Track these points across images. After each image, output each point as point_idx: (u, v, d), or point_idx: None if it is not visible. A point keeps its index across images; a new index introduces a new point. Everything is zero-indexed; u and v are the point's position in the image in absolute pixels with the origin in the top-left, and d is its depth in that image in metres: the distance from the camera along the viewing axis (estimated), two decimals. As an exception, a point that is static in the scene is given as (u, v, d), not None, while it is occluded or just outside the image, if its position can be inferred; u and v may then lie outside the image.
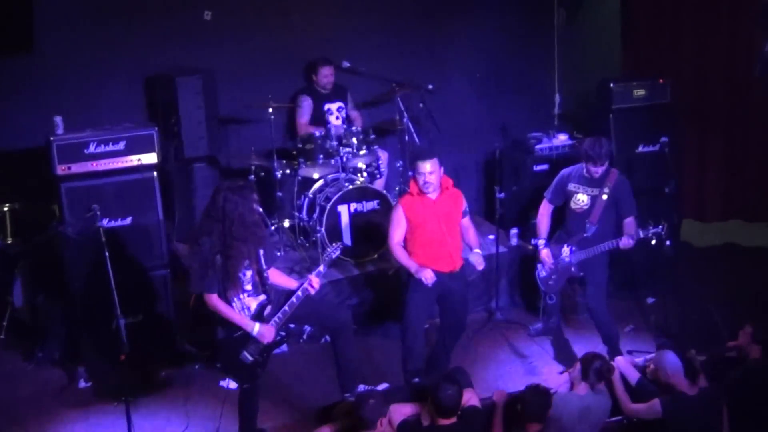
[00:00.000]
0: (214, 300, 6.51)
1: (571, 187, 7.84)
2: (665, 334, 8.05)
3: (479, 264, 7.33)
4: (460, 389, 6.15)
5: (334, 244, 7.02)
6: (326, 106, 9.52)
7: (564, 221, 7.98)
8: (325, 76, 9.51)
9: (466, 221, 7.45)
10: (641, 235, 7.47)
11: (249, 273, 6.56)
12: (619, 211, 7.72)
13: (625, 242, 7.52)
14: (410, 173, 7.50)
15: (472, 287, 8.76)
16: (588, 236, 7.70)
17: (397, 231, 7.27)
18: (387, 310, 8.43)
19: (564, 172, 8.01)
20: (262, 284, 6.64)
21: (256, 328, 6.57)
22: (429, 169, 7.08)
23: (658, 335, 8.16)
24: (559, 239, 7.96)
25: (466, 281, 7.60)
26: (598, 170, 7.63)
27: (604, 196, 7.66)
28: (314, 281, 6.70)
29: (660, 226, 7.40)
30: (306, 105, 9.55)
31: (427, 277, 7.05)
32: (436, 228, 7.22)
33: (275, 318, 6.64)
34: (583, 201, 7.77)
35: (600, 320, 7.86)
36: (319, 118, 9.47)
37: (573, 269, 7.85)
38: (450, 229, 7.26)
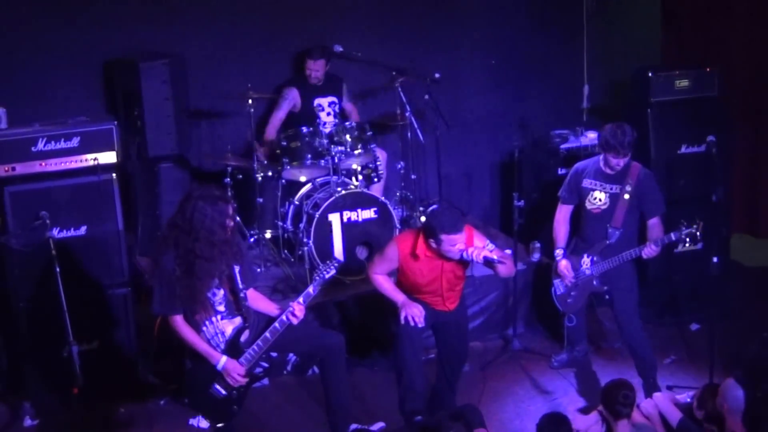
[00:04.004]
0: (179, 323, 6.56)
1: (587, 183, 7.90)
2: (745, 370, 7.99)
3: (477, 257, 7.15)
4: (470, 429, 6.17)
5: (327, 262, 6.91)
6: (316, 101, 9.55)
7: (579, 226, 8.03)
8: (312, 70, 9.52)
9: None
10: (673, 238, 7.49)
11: (221, 292, 6.61)
12: (642, 211, 7.77)
13: (650, 251, 7.55)
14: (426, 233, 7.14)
15: (485, 311, 8.87)
16: (612, 243, 7.76)
17: (384, 268, 7.34)
18: (383, 336, 8.45)
19: (578, 165, 8.07)
20: (237, 305, 6.67)
21: (222, 361, 6.60)
22: (462, 239, 6.98)
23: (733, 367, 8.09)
24: (577, 249, 8.02)
25: (464, 306, 7.65)
26: (620, 162, 7.67)
27: (626, 196, 7.71)
28: (297, 309, 6.68)
29: (694, 226, 7.41)
30: (288, 98, 9.57)
31: (414, 315, 7.05)
32: (434, 283, 7.25)
33: (253, 346, 6.67)
34: (600, 200, 7.83)
35: (635, 344, 7.90)
36: (307, 114, 9.48)
37: (595, 283, 7.90)
38: (451, 283, 7.30)
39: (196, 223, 6.39)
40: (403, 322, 7.07)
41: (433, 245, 7.04)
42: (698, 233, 7.42)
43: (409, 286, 7.29)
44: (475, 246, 7.02)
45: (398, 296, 7.20)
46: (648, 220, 7.77)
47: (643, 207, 7.77)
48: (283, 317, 6.68)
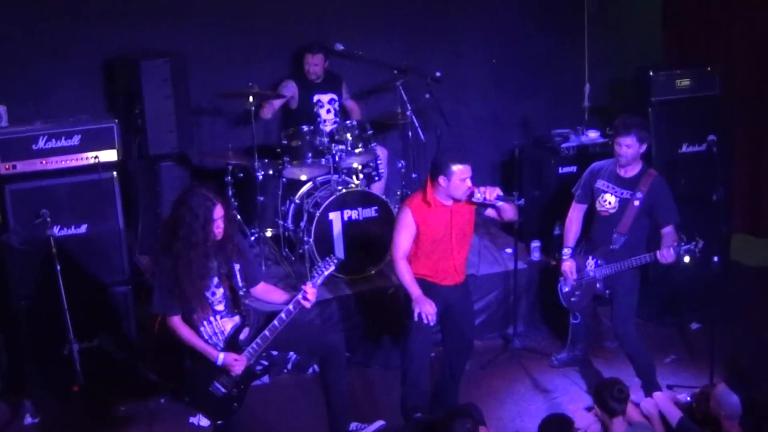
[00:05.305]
0: (175, 323, 6.56)
1: (600, 184, 7.88)
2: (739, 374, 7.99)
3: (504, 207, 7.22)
4: (477, 425, 6.18)
5: (326, 258, 6.83)
6: (315, 97, 9.56)
7: (589, 227, 8.01)
8: (311, 65, 9.54)
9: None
10: (672, 252, 7.44)
11: (220, 291, 6.61)
12: (655, 219, 7.72)
13: (666, 255, 7.46)
14: (436, 174, 7.17)
15: (485, 309, 8.87)
16: (616, 249, 7.75)
17: (405, 240, 7.24)
18: (383, 335, 8.48)
19: (595, 165, 8.05)
20: (236, 303, 6.69)
21: (221, 357, 6.60)
22: (470, 174, 7.04)
23: (730, 372, 8.09)
24: (583, 249, 8.01)
25: (469, 291, 7.66)
26: (624, 145, 7.60)
27: (636, 202, 7.68)
28: (310, 293, 6.62)
29: (693, 243, 7.35)
30: (285, 91, 9.56)
31: (428, 312, 7.04)
32: (445, 240, 7.25)
33: (253, 344, 6.66)
34: (610, 203, 7.80)
35: (629, 349, 7.89)
36: (306, 111, 9.50)
37: (598, 285, 7.89)
38: (460, 242, 7.30)
39: (187, 221, 6.39)
40: (416, 319, 7.06)
41: (443, 183, 7.05)
42: (696, 251, 7.37)
43: (421, 256, 7.25)
44: (486, 186, 7.07)
45: (414, 290, 7.15)
46: (661, 229, 7.69)
47: (656, 215, 7.71)
48: (290, 306, 6.63)
